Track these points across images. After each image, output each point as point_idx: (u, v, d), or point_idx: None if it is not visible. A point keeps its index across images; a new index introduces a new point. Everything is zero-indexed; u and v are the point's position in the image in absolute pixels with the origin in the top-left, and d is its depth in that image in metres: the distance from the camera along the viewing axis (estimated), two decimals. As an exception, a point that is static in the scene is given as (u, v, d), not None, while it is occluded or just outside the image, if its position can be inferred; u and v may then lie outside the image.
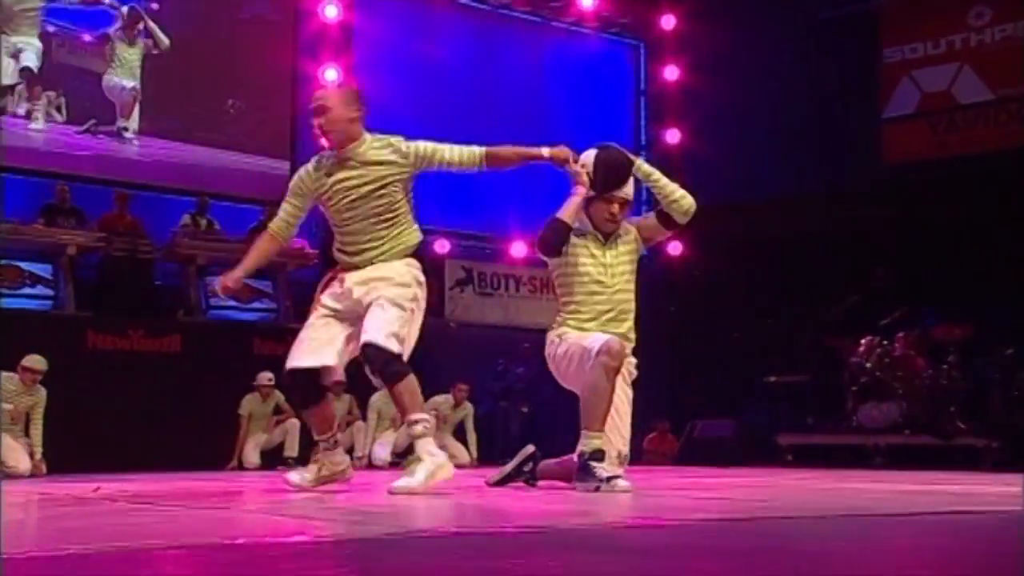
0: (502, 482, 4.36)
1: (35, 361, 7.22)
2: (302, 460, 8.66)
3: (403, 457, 8.70)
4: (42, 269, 8.59)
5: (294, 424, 8.67)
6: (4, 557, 1.94)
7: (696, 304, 12.45)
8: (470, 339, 11.90)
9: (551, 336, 4.34)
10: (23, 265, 8.49)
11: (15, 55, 9.86)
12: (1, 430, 6.78)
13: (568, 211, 4.32)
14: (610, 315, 4.28)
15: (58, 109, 10.30)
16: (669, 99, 14.34)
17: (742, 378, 11.02)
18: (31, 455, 7.10)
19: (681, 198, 4.36)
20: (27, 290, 8.47)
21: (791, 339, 10.79)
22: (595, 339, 4.10)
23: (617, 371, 4.04)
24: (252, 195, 10.92)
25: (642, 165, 4.43)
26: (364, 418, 8.95)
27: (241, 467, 8.49)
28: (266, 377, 8.60)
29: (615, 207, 4.37)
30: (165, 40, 10.93)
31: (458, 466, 8.69)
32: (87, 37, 10.59)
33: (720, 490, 4.41)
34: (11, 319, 8.25)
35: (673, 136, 14.15)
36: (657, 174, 4.38)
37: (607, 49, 14.44)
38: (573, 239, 4.37)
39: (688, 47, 13.93)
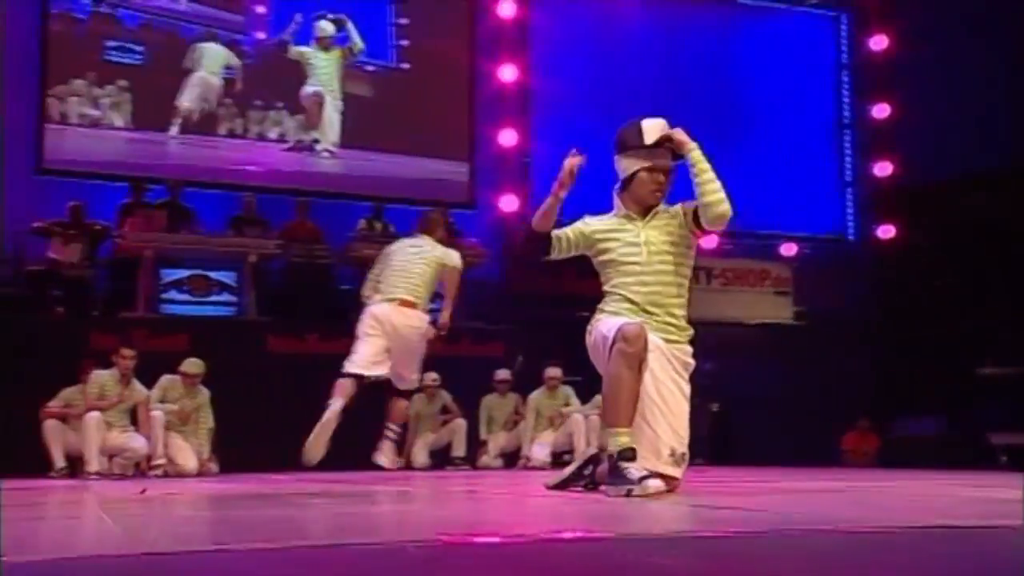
0: (561, 486, 4.10)
1: (192, 365, 7.61)
2: (469, 459, 8.69)
3: (572, 455, 8.52)
4: (228, 277, 9.09)
5: (460, 424, 8.71)
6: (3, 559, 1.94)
7: (904, 291, 11.48)
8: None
9: (589, 325, 4.04)
10: (211, 274, 9.03)
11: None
12: (158, 430, 7.20)
13: (540, 216, 4.08)
14: (648, 299, 3.92)
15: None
16: (876, 71, 13.33)
17: (953, 371, 10.01)
18: (199, 455, 7.50)
19: (715, 203, 3.90)
20: (214, 297, 9.00)
21: (1009, 327, 9.69)
22: (612, 324, 3.76)
23: (637, 357, 3.66)
24: (429, 197, 11.12)
25: (692, 150, 4.00)
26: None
27: (409, 467, 8.60)
28: (431, 377, 8.66)
29: (660, 177, 4.02)
30: (360, 43, 11.35)
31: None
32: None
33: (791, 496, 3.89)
34: (200, 325, 8.80)
35: (881, 111, 13.16)
36: (705, 164, 3.96)
37: (803, 23, 13.60)
38: (606, 222, 4.08)
39: (897, 14, 12.88)
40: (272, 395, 8.71)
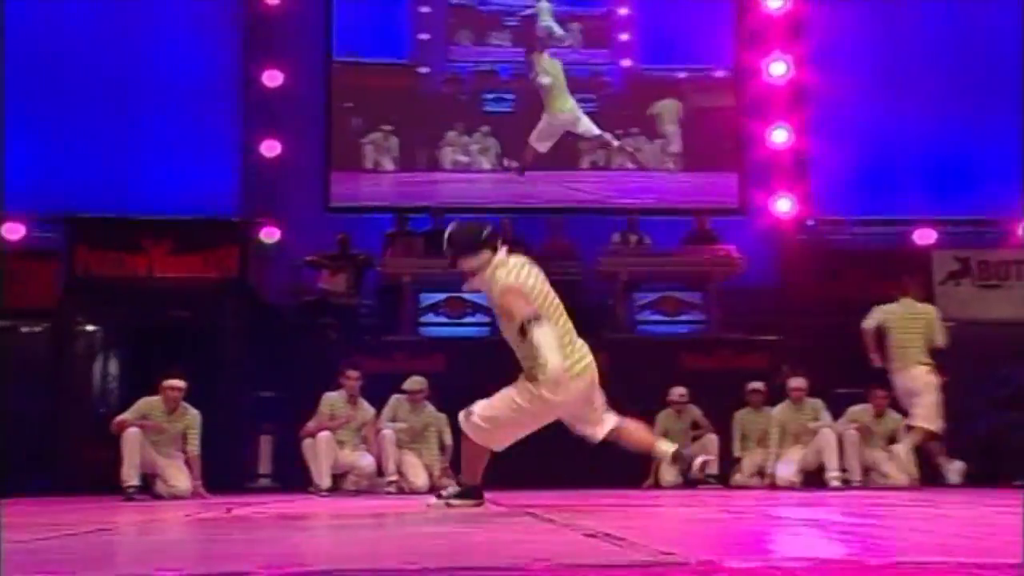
0: None
1: (413, 383, 7.81)
2: (722, 478, 8.21)
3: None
4: (480, 297, 9.31)
5: (712, 440, 8.24)
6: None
7: None
8: (967, 339, 10.29)
9: None
10: (466, 296, 9.31)
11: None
12: (389, 448, 7.44)
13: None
14: None
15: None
16: None
17: None
18: (430, 471, 7.66)
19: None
20: (468, 318, 9.28)
21: None
22: None
23: None
24: (695, 205, 10.79)
25: None
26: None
27: (658, 485, 8.26)
28: (678, 392, 8.31)
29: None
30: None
31: (894, 488, 7.52)
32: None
33: None
34: (455, 345, 9.11)
35: None
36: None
37: None
38: None
39: None
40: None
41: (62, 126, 10.73)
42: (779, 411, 7.98)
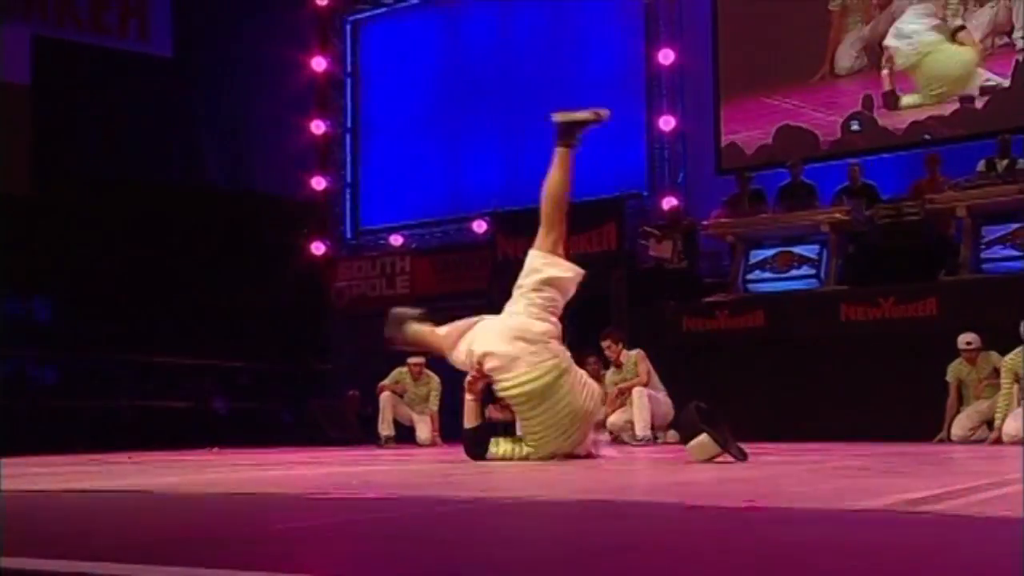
0: None
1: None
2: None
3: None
4: (810, 251, 8.98)
5: (1013, 390, 6.92)
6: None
7: None
8: None
9: None
10: (794, 249, 9.04)
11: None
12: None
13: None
14: None
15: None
16: None
17: None
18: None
19: None
20: (794, 271, 8.99)
21: None
22: None
23: None
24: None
25: None
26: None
27: (949, 439, 7.19)
28: (964, 340, 7.12)
29: None
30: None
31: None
32: None
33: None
34: (776, 300, 8.97)
35: None
36: None
37: None
38: None
39: None
40: (847, 365, 8.38)
41: (510, 133, 12.83)
42: (1010, 359, 6.45)
